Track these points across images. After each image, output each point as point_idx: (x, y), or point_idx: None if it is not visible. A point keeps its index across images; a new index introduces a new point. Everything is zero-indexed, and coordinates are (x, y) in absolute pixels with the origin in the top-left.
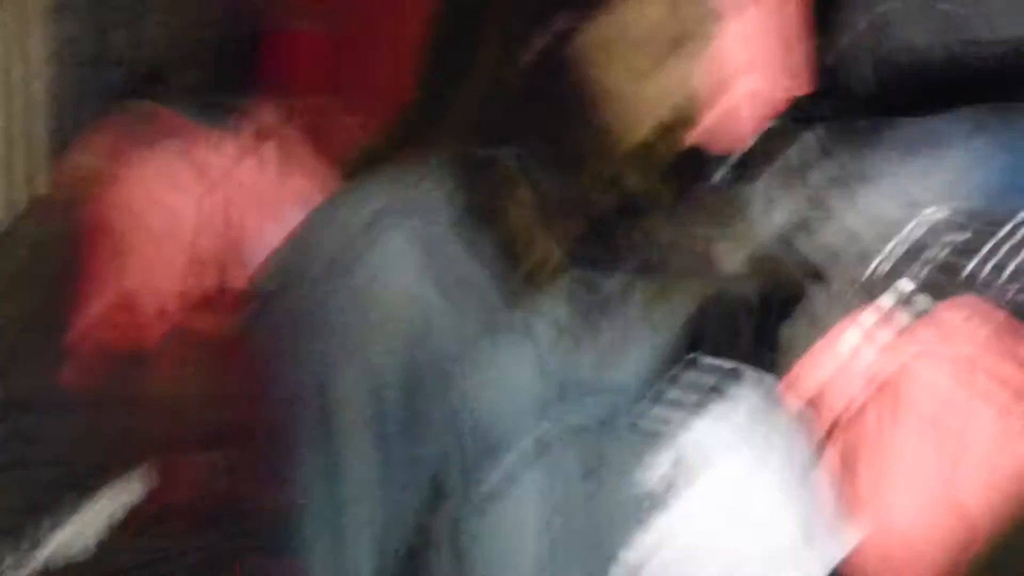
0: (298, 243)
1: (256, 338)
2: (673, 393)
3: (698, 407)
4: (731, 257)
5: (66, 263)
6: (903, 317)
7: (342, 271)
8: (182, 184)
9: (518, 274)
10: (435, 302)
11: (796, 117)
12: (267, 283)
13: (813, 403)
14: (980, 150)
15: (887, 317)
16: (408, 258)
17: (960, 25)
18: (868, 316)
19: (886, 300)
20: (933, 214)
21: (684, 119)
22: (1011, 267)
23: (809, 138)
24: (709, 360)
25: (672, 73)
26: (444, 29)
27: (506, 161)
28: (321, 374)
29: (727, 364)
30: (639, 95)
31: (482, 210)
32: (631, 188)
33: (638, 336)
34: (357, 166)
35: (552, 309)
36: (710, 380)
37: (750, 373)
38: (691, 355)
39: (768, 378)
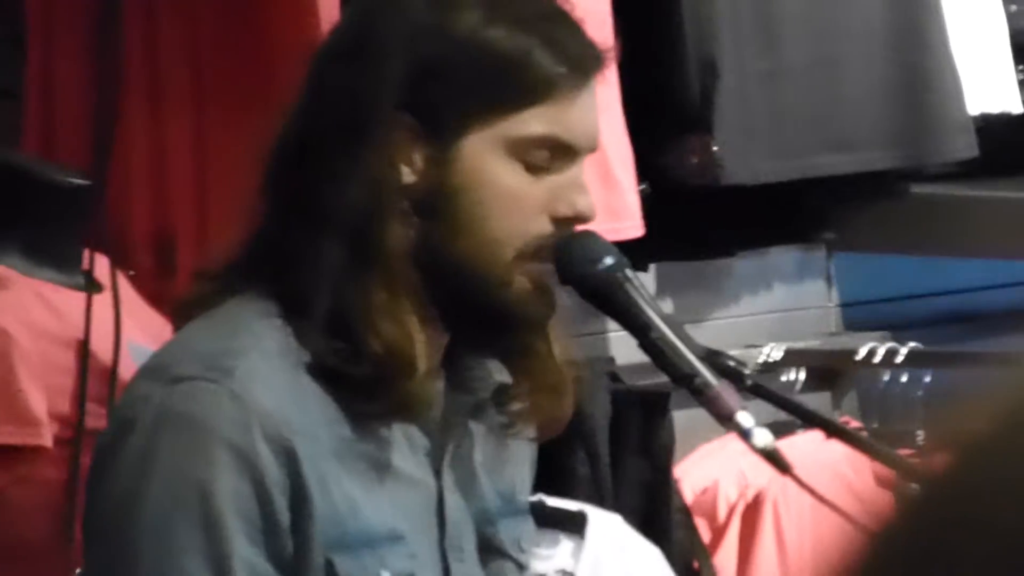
0: (170, 355)
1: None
2: (519, 535)
3: (544, 550)
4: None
5: None
6: (765, 436)
7: (220, 375)
8: (42, 323)
9: (393, 401)
10: (296, 422)
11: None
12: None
13: (689, 512)
14: (810, 286)
15: (749, 435)
16: (272, 379)
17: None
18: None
19: (746, 420)
20: (770, 353)
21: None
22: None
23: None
24: (552, 501)
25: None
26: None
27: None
28: (204, 477)
29: (571, 505)
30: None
31: (352, 331)
32: (514, 296)
33: (491, 469)
34: (194, 306)
35: (407, 438)
36: (555, 522)
37: (595, 513)
38: (534, 497)
39: (614, 517)
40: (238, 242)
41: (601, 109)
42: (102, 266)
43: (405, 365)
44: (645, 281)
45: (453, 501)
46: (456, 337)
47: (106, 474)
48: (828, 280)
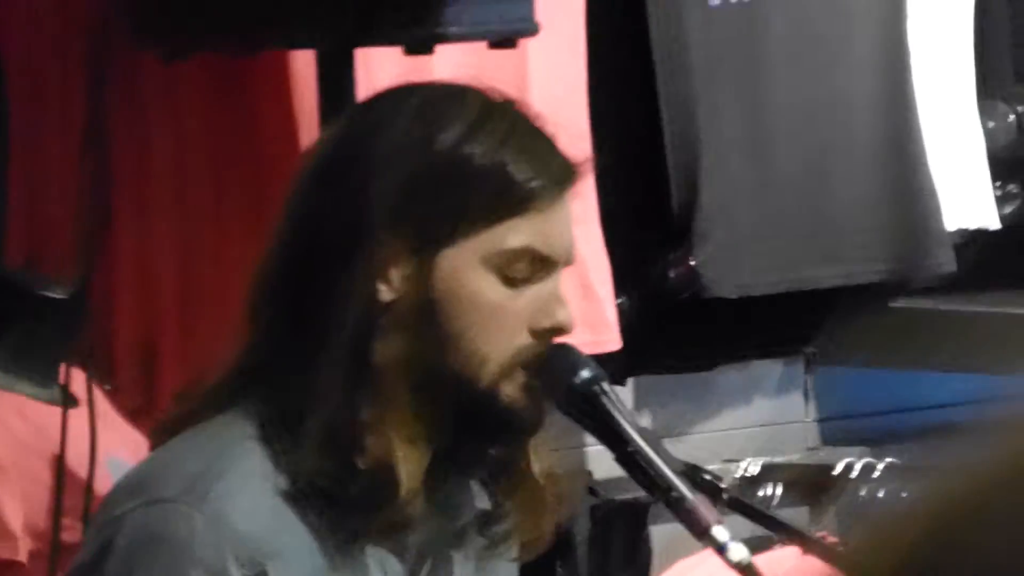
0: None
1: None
2: None
3: None
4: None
5: None
6: (740, 550)
7: (196, 498)
8: (19, 437)
9: (373, 513)
10: (271, 546)
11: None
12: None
13: None
14: (790, 400)
15: (724, 549)
16: (250, 503)
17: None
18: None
19: (721, 534)
20: (747, 467)
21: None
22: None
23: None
24: None
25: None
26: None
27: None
28: None
29: None
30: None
31: (341, 449)
32: (502, 409)
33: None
34: (175, 424)
35: (382, 567)
36: None
37: None
38: None
39: None
40: (222, 361)
41: (579, 221)
42: (79, 380)
43: (391, 483)
44: (625, 393)
45: None
46: (442, 454)
47: None
48: (806, 395)
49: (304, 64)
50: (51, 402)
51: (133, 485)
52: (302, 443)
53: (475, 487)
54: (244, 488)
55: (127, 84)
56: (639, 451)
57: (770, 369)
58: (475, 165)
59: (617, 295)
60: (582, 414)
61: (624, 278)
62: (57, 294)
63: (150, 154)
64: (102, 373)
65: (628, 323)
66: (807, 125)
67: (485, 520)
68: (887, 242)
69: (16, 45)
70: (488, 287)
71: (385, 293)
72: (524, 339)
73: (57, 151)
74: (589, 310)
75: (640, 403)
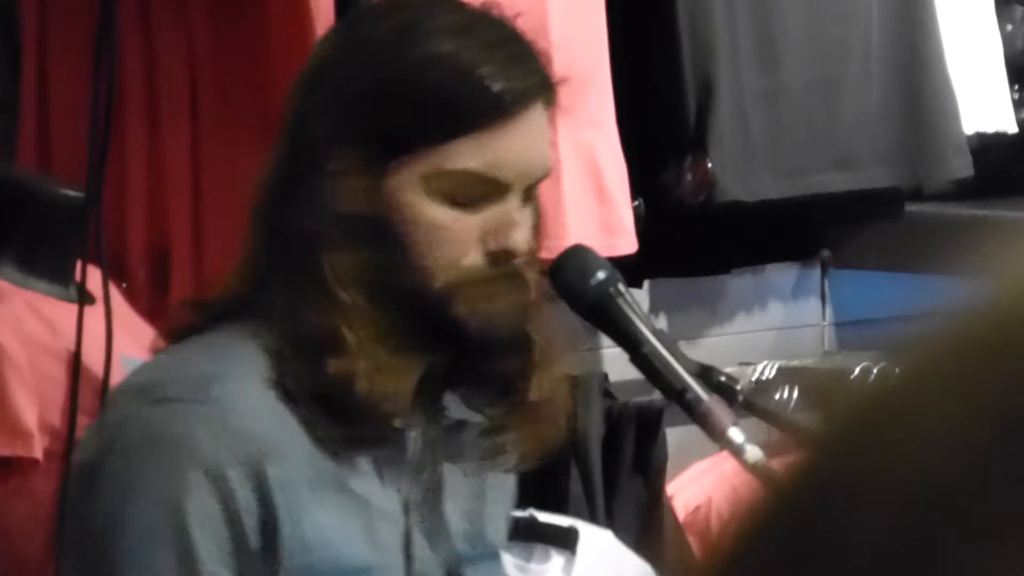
0: (153, 372)
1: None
2: (507, 553)
3: (535, 565)
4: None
5: None
6: (756, 452)
7: (200, 397)
8: (34, 335)
9: (345, 427)
10: (270, 446)
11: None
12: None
13: (682, 529)
14: (805, 304)
15: (740, 451)
16: (251, 403)
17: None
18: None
19: (737, 436)
20: (763, 371)
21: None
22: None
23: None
24: (543, 517)
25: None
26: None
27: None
28: (177, 498)
29: (563, 521)
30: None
31: (310, 355)
32: (461, 320)
33: (464, 510)
34: (179, 333)
35: (379, 472)
36: (546, 537)
37: (586, 528)
38: (525, 512)
39: (605, 533)
40: (228, 270)
41: (596, 124)
42: (95, 278)
43: (348, 391)
44: (639, 298)
45: (421, 539)
46: (434, 367)
47: (89, 494)
48: (823, 298)
49: None
50: (67, 299)
51: (134, 386)
52: (281, 348)
53: (471, 399)
54: (244, 389)
55: None
56: (654, 353)
57: (786, 273)
58: (424, 80)
59: (632, 198)
60: (597, 316)
61: (640, 182)
62: (70, 193)
63: (159, 64)
64: (117, 272)
65: (644, 226)
66: (821, 29)
67: (481, 432)
68: (902, 147)
69: None
70: (431, 206)
71: (342, 204)
72: (474, 258)
73: (67, 58)
74: (605, 213)
75: (655, 306)
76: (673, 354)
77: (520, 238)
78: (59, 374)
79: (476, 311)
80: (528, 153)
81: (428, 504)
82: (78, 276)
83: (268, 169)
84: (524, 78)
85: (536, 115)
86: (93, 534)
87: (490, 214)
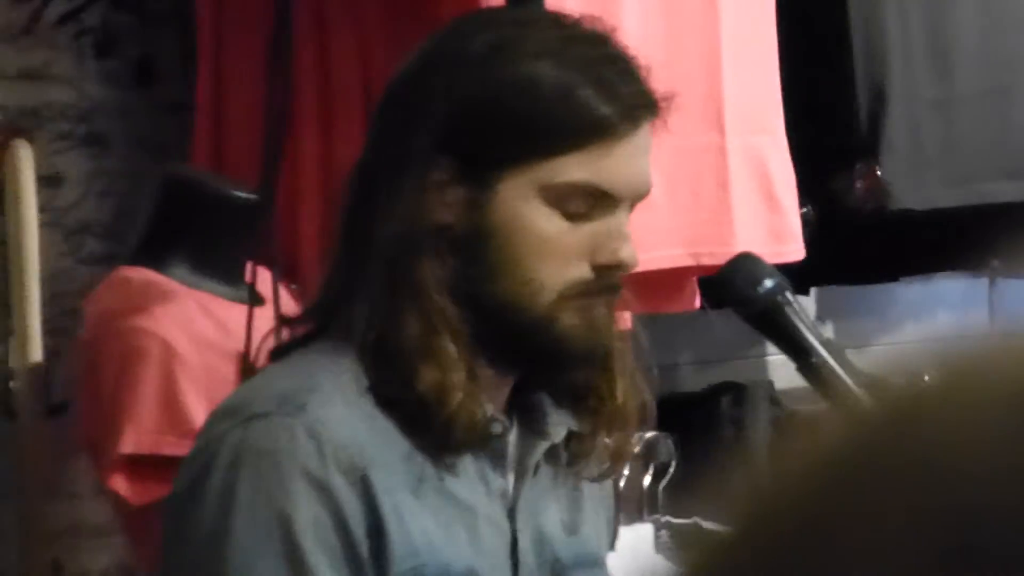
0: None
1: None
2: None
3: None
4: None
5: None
6: None
7: (294, 410)
8: (205, 334)
9: (443, 434)
10: (370, 454)
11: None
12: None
13: None
14: (974, 314)
15: None
16: (347, 413)
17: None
18: None
19: None
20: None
21: (612, 271)
22: None
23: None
24: (708, 525)
25: (591, 232)
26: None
27: (442, 316)
28: (283, 509)
29: (687, 521)
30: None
31: (394, 365)
32: (560, 336)
33: (565, 518)
34: (282, 350)
35: (482, 478)
36: (679, 541)
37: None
38: (690, 520)
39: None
40: (320, 281)
41: (766, 131)
42: (265, 279)
43: (444, 400)
44: (807, 305)
45: (526, 544)
46: (518, 377)
47: (188, 517)
48: (991, 308)
49: None
50: (237, 300)
51: (230, 407)
52: (364, 355)
53: (565, 407)
54: (339, 398)
55: None
56: (823, 362)
57: (954, 283)
58: (540, 92)
59: (801, 205)
60: (766, 324)
61: (809, 188)
62: (243, 195)
63: (333, 66)
64: (288, 274)
65: (812, 233)
66: (995, 38)
67: (572, 439)
68: None
69: None
70: (543, 218)
71: (442, 215)
72: (582, 271)
73: (242, 59)
74: (774, 220)
75: (822, 314)
76: (842, 364)
77: (630, 252)
78: (229, 374)
79: (580, 325)
80: (636, 169)
81: (530, 511)
82: (249, 277)
83: (351, 180)
84: (644, 94)
85: (644, 132)
86: (197, 556)
87: (600, 227)
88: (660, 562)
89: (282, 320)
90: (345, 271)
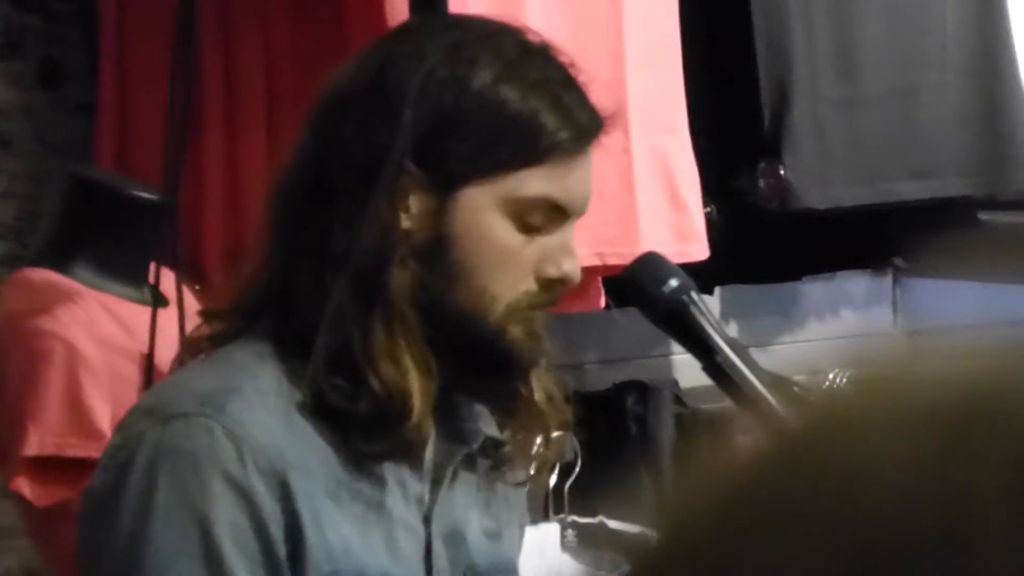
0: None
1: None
2: (578, 561)
3: (606, 574)
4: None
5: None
6: None
7: (214, 411)
8: (109, 336)
9: (383, 435)
10: (290, 458)
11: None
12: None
13: None
14: (877, 312)
15: None
16: (267, 416)
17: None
18: None
19: None
20: (835, 379)
21: (559, 283)
22: None
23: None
24: (613, 524)
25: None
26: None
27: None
28: (202, 510)
29: (633, 528)
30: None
31: (352, 370)
32: (506, 347)
33: (480, 523)
34: (200, 344)
35: (400, 483)
36: (616, 544)
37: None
38: (595, 519)
39: None
40: (244, 279)
41: (671, 131)
42: (168, 280)
43: (402, 406)
44: (711, 304)
45: (440, 550)
46: (449, 382)
47: (108, 516)
48: (894, 306)
49: None
50: (141, 302)
51: (150, 404)
52: (316, 361)
53: (484, 413)
54: (260, 402)
55: None
56: (727, 361)
57: (857, 281)
58: (506, 109)
59: (705, 204)
60: (670, 323)
61: (713, 188)
62: (146, 195)
63: (236, 66)
64: (192, 275)
65: (716, 233)
66: (898, 38)
67: (492, 445)
68: (978, 156)
69: None
70: (502, 230)
71: (404, 222)
72: (530, 284)
73: (146, 59)
74: (678, 219)
75: (727, 313)
76: (746, 363)
77: (574, 266)
78: (133, 375)
79: (524, 336)
80: (586, 185)
81: (446, 516)
82: (152, 278)
83: (293, 179)
84: (595, 114)
85: (591, 151)
86: (116, 557)
87: (550, 241)
88: (566, 561)
89: (204, 315)
90: (281, 274)
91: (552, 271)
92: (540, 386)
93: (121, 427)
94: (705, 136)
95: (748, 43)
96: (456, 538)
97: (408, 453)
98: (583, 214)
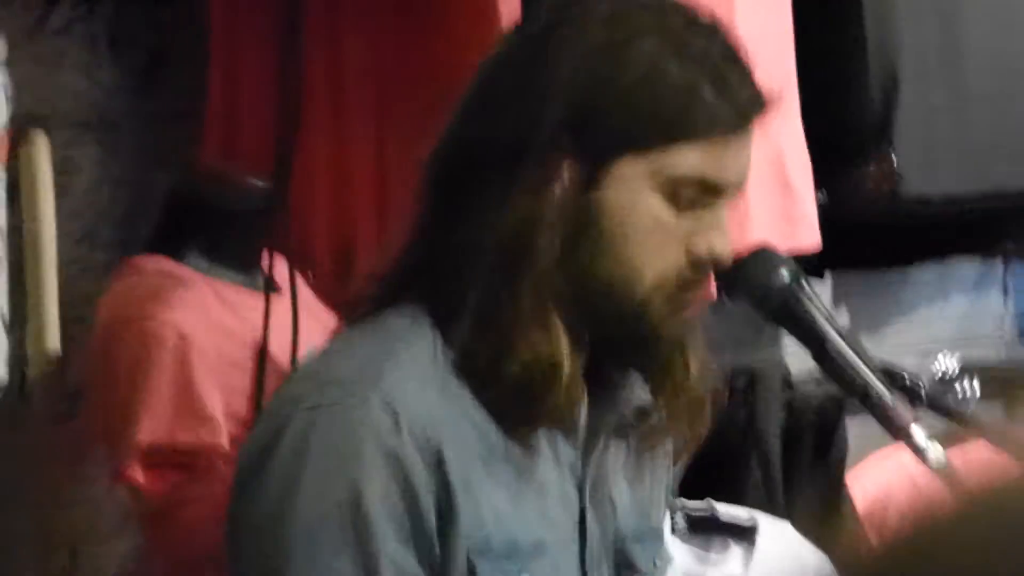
0: (325, 363)
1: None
2: (653, 555)
3: (714, 555)
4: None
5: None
6: (938, 452)
7: (370, 380)
8: (220, 322)
9: (532, 400)
10: (444, 427)
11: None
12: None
13: (859, 520)
14: (988, 296)
15: (923, 452)
16: (421, 384)
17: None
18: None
19: (920, 436)
20: (945, 363)
21: (703, 265)
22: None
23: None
24: (723, 508)
25: (689, 226)
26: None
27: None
28: (354, 478)
29: (742, 512)
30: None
31: (501, 335)
32: (651, 322)
33: (630, 489)
34: (357, 312)
35: (553, 449)
36: (726, 528)
37: (765, 519)
38: (705, 503)
39: (784, 524)
40: (400, 247)
41: (781, 116)
42: (281, 268)
43: (551, 371)
44: (821, 289)
45: (593, 516)
46: (598, 351)
47: (259, 478)
48: (1005, 290)
49: None
50: (253, 288)
51: (307, 374)
52: (464, 324)
53: (638, 380)
54: (416, 370)
55: None
56: (837, 351)
57: (967, 265)
58: (667, 82)
59: (815, 190)
60: (781, 315)
61: (824, 174)
62: (257, 184)
63: (345, 60)
64: (302, 262)
65: (827, 218)
66: (1003, 35)
67: (642, 413)
68: None
69: None
70: (654, 204)
71: (556, 190)
72: (679, 261)
73: (254, 52)
74: (788, 205)
75: (837, 297)
76: (856, 352)
77: (725, 245)
78: (245, 361)
79: (669, 314)
80: (743, 165)
81: (599, 484)
82: (265, 265)
83: (447, 153)
84: (758, 93)
85: (752, 130)
86: (265, 517)
87: (701, 218)
88: (676, 544)
89: (365, 279)
90: (435, 241)
91: (702, 248)
92: (695, 359)
93: (278, 392)
94: (817, 123)
95: (859, 38)
96: (607, 506)
97: (560, 419)
98: (739, 194)
